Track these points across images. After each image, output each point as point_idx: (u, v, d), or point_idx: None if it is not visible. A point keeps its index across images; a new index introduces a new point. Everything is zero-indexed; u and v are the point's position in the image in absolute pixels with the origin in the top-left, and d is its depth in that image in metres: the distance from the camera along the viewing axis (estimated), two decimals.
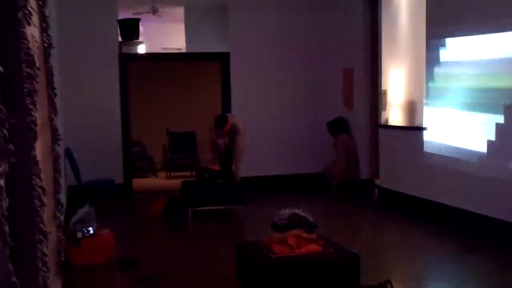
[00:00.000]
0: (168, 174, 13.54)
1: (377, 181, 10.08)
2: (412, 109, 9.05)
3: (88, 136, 10.16)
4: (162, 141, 14.15)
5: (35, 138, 2.96)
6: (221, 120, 9.02)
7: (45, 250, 3.04)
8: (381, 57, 9.68)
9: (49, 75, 4.13)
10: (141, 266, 6.06)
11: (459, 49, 7.60)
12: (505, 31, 6.62)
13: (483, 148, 7.10)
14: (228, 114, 9.49)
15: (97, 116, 10.37)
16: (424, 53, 8.32)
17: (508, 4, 6.66)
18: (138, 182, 11.89)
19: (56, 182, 4.22)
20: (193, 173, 12.18)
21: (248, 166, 10.81)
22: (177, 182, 9.81)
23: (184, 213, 8.36)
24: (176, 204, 8.77)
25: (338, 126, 10.86)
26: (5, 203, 2.34)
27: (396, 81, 9.46)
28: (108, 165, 10.31)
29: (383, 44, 9.63)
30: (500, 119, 6.77)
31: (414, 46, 8.95)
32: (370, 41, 10.25)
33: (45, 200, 3.08)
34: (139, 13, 12.33)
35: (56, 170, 4.24)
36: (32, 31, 3.31)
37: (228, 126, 8.95)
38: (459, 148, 7.57)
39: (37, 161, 3.00)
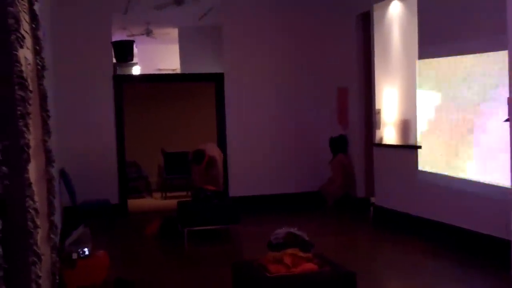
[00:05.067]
0: (164, 195, 13.52)
1: (372, 199, 10.08)
2: (406, 127, 9.09)
3: (83, 157, 10.15)
4: (157, 161, 14.16)
5: (28, 160, 2.97)
6: (199, 156, 9.03)
7: (38, 272, 3.03)
8: (374, 76, 9.75)
9: (43, 97, 4.14)
10: (137, 287, 6.03)
11: None
12: (496, 50, 6.66)
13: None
14: (207, 146, 9.42)
15: (92, 137, 10.37)
16: (416, 72, 8.40)
17: (497, 23, 6.70)
18: (134, 203, 11.87)
19: (50, 203, 4.22)
20: (189, 193, 12.17)
21: (244, 185, 10.86)
22: (173, 202, 9.80)
23: (180, 233, 8.34)
24: (172, 224, 8.75)
25: (338, 145, 10.86)
26: None
27: (390, 100, 9.51)
28: (103, 185, 10.29)
29: (376, 63, 9.70)
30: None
31: (406, 65, 9.02)
32: (363, 60, 10.32)
33: (38, 222, 3.08)
34: (133, 35, 12.40)
35: (50, 192, 4.23)
36: (26, 54, 3.33)
37: (206, 160, 8.98)
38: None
39: (31, 183, 3.00)
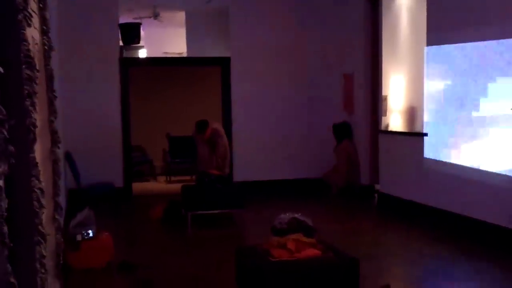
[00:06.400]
0: (168, 179, 13.54)
1: (377, 187, 10.07)
2: (412, 114, 9.06)
3: (89, 140, 10.16)
4: (162, 145, 14.16)
5: (34, 140, 2.96)
6: (202, 125, 9.00)
7: (43, 252, 3.04)
8: (381, 62, 9.69)
9: (49, 78, 4.12)
10: (140, 270, 6.05)
11: None
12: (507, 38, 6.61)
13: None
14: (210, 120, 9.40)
15: (97, 120, 10.37)
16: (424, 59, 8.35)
17: (509, 9, 6.65)
18: (138, 186, 11.89)
19: (55, 184, 4.21)
20: (193, 177, 12.17)
21: (248, 170, 10.86)
22: (177, 186, 9.81)
23: (184, 217, 8.35)
24: (176, 208, 8.76)
25: (342, 131, 10.82)
26: (4, 204, 2.34)
27: (397, 86, 9.46)
28: (108, 169, 10.30)
29: (383, 50, 9.64)
30: None
31: (414, 51, 8.96)
32: (370, 46, 10.26)
33: (44, 202, 3.08)
34: (140, 18, 12.36)
35: (55, 173, 4.23)
36: (33, 33, 3.32)
37: (209, 131, 8.94)
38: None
39: (36, 163, 3.00)
